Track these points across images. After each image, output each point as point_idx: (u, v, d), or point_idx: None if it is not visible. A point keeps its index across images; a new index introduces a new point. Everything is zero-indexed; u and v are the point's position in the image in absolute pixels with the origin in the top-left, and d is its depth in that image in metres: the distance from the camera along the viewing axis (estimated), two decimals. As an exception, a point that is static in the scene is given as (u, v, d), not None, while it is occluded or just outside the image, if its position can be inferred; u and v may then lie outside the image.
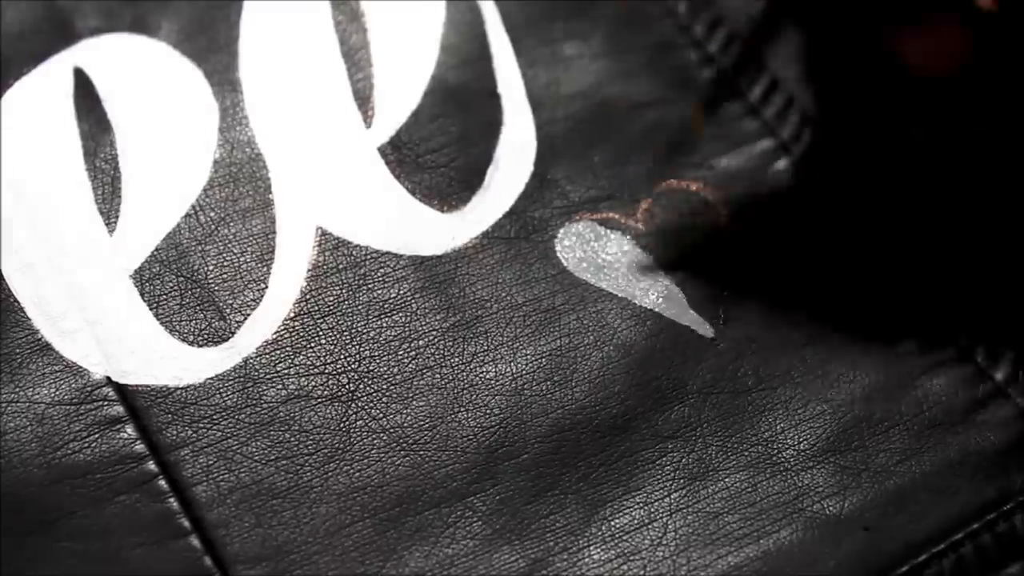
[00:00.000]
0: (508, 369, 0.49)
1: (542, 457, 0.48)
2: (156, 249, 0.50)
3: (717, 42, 0.55)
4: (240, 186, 0.51)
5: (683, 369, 0.49)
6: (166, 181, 0.51)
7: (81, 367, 0.49)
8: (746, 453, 0.48)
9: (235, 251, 0.51)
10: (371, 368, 0.49)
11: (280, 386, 0.48)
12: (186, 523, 0.47)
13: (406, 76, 0.53)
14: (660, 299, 0.50)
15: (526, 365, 0.49)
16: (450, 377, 0.49)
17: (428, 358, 0.49)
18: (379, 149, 0.52)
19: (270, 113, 0.52)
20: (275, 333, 0.49)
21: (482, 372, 0.49)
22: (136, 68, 0.53)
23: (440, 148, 0.52)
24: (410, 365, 0.49)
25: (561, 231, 0.51)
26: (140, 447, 0.47)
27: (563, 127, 0.53)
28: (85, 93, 0.52)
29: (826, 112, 0.53)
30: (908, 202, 0.52)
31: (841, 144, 0.53)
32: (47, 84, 0.52)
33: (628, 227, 0.51)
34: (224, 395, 0.48)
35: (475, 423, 0.48)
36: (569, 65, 0.54)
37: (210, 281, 0.50)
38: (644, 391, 0.49)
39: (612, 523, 0.47)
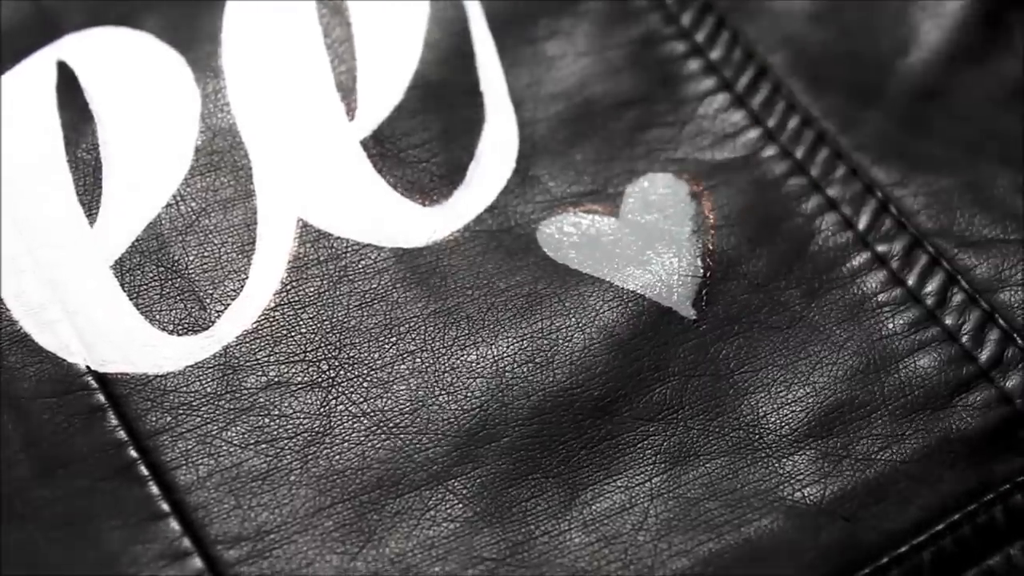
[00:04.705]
0: (489, 352, 0.49)
1: (523, 440, 0.47)
2: (137, 239, 0.50)
3: (704, 31, 0.55)
4: (221, 175, 0.51)
5: (665, 351, 0.49)
6: (147, 169, 0.51)
7: (60, 358, 0.48)
8: (727, 437, 0.48)
9: (216, 242, 0.50)
10: (352, 355, 0.49)
11: (260, 373, 0.48)
12: (165, 506, 0.46)
13: (389, 71, 0.53)
14: (642, 281, 0.50)
15: (507, 347, 0.49)
16: (431, 361, 0.49)
17: (409, 344, 0.49)
18: (361, 142, 0.52)
19: (252, 101, 0.52)
20: (255, 323, 0.49)
21: (463, 355, 0.49)
22: (118, 57, 0.53)
23: (422, 144, 0.52)
24: (391, 351, 0.49)
25: (543, 223, 0.51)
26: (121, 434, 0.47)
27: (546, 125, 0.53)
28: (68, 84, 0.52)
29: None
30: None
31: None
32: (30, 77, 0.52)
33: (611, 217, 0.51)
34: (204, 382, 0.48)
35: (456, 406, 0.48)
36: (552, 64, 0.54)
37: (190, 271, 0.50)
38: (625, 373, 0.48)
39: (593, 507, 0.47)
